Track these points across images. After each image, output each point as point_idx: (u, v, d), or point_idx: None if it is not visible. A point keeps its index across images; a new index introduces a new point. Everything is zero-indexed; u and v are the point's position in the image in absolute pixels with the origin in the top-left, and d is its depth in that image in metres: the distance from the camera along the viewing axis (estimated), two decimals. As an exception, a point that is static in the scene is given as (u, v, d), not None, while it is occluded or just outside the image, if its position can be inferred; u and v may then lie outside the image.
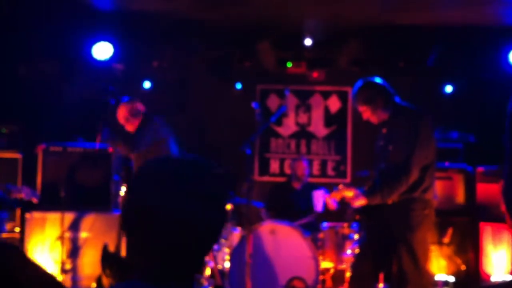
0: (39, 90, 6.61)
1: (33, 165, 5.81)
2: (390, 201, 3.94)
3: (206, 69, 6.88)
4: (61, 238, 5.30)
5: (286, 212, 5.69)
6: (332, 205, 4.16)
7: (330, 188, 4.23)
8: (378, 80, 4.13)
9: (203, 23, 6.22)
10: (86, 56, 6.34)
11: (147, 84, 7.00)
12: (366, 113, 4.07)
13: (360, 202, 3.89)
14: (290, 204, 5.98)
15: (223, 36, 6.59)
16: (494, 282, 5.26)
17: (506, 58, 6.17)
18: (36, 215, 5.42)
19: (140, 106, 5.41)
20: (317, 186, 6.00)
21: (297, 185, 6.12)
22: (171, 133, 5.47)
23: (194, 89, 7.06)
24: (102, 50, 6.32)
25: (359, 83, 4.10)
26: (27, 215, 5.46)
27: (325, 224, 5.44)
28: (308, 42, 6.40)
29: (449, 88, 6.73)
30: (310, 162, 7.07)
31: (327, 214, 5.55)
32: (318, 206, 5.95)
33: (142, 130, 5.32)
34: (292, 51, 6.84)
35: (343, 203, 5.16)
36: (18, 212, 5.63)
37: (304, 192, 6.05)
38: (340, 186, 4.06)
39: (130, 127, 5.38)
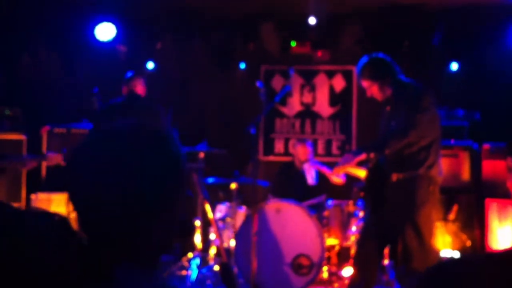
0: (43, 72, 6.61)
1: (38, 147, 5.83)
2: (395, 178, 3.94)
3: (210, 50, 6.85)
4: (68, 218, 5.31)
5: (292, 193, 5.67)
6: (340, 180, 4.15)
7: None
8: (383, 56, 4.10)
9: (207, 4, 6.18)
10: (89, 38, 6.32)
11: (150, 65, 6.98)
12: (371, 89, 4.04)
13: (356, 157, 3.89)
14: (296, 185, 5.95)
15: (227, 18, 6.55)
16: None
17: (511, 35, 6.12)
18: (42, 196, 5.44)
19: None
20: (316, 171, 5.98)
21: (300, 167, 6.08)
22: None
23: (198, 70, 7.04)
24: (105, 31, 6.30)
25: (365, 58, 4.07)
26: (33, 196, 5.49)
27: (330, 202, 5.44)
28: (312, 21, 6.36)
29: (454, 66, 6.67)
30: (315, 142, 7.07)
31: (335, 189, 5.56)
32: (310, 179, 5.95)
33: None
34: (296, 31, 6.80)
35: (348, 180, 5.17)
36: (23, 193, 5.65)
37: (306, 175, 6.02)
38: (341, 160, 4.04)
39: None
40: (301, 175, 6.03)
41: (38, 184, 5.72)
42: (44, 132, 5.93)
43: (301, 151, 6.01)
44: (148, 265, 1.13)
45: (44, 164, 5.79)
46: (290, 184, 5.98)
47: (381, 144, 3.89)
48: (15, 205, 5.57)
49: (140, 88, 5.09)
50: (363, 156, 3.94)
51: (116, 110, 4.97)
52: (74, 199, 1.13)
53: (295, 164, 6.11)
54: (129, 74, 5.19)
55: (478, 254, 1.09)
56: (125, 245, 1.10)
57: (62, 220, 0.99)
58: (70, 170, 1.14)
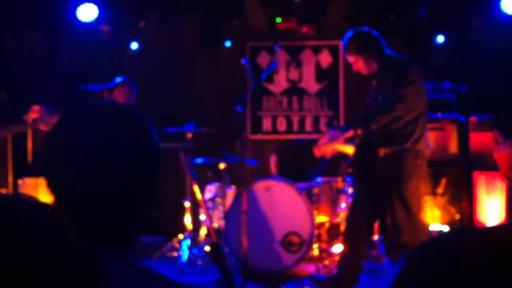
0: (25, 55, 6.50)
1: (23, 132, 5.76)
2: (382, 153, 3.93)
3: (194, 28, 6.76)
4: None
5: (294, 171, 5.61)
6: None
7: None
8: (369, 30, 4.06)
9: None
10: (71, 19, 6.21)
11: (134, 45, 6.88)
12: (358, 63, 4.02)
13: (343, 134, 3.85)
14: (303, 167, 5.86)
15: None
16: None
17: (498, 6, 6.08)
18: (29, 181, 5.39)
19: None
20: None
21: (318, 153, 5.97)
22: None
23: (182, 48, 6.95)
24: (87, 12, 6.19)
25: (350, 33, 4.03)
26: (19, 181, 5.44)
27: (319, 179, 5.44)
28: (296, -5, 6.28)
29: (440, 39, 6.64)
30: (302, 119, 7.05)
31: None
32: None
33: None
34: (281, 6, 6.72)
35: (337, 157, 5.16)
36: (10, 178, 5.60)
37: (321, 162, 5.93)
38: (328, 137, 4.00)
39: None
40: (312, 161, 5.90)
41: (24, 169, 5.66)
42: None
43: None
44: (124, 244, 1.11)
45: (29, 148, 5.72)
46: (297, 164, 5.86)
47: (368, 119, 3.87)
48: (2, 190, 5.53)
49: (120, 98, 5.05)
50: (350, 133, 3.92)
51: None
52: (51, 181, 1.10)
53: (312, 148, 5.98)
54: (113, 82, 5.12)
55: (468, 227, 1.09)
56: (103, 225, 1.09)
57: (54, 212, 0.96)
58: (46, 152, 1.11)
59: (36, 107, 4.41)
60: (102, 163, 1.07)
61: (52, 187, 1.10)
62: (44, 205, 0.90)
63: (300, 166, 5.87)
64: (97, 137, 1.08)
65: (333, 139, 3.97)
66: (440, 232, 5.40)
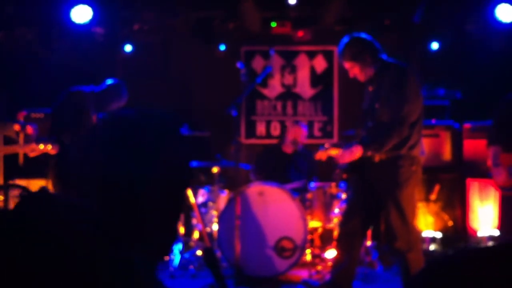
0: (18, 56, 6.46)
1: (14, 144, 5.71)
2: (377, 159, 3.91)
3: (189, 30, 6.74)
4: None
5: (274, 175, 5.62)
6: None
7: (317, 149, 4.21)
8: (364, 36, 4.05)
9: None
10: (65, 20, 6.17)
11: (128, 48, 6.85)
12: (353, 70, 4.00)
13: (356, 153, 3.82)
14: (280, 168, 5.89)
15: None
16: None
17: (493, 13, 6.10)
18: (20, 182, 5.35)
19: None
20: (308, 154, 5.89)
21: (288, 150, 6.00)
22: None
23: (177, 51, 6.93)
24: (81, 14, 6.15)
25: (345, 39, 4.02)
26: (10, 182, 5.39)
27: (313, 184, 5.42)
28: (292, 1, 6.27)
29: (435, 45, 6.65)
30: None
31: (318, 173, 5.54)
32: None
33: None
34: (276, 10, 6.71)
35: (331, 162, 5.14)
36: (1, 179, 5.55)
37: (295, 158, 5.95)
38: (326, 145, 4.01)
39: None
40: (286, 160, 5.94)
41: (16, 170, 5.62)
42: (21, 117, 5.80)
43: (296, 132, 5.91)
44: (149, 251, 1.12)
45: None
46: (273, 167, 5.91)
47: (377, 146, 3.82)
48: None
49: (110, 101, 5.05)
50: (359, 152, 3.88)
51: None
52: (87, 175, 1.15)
53: (281, 147, 6.02)
54: (103, 84, 5.10)
55: (471, 248, 1.07)
56: (130, 227, 1.10)
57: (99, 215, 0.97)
58: (88, 150, 1.16)
59: (29, 128, 4.39)
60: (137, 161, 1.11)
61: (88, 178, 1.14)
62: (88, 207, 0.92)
63: (276, 166, 5.88)
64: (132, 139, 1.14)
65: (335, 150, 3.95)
66: (435, 239, 5.40)
